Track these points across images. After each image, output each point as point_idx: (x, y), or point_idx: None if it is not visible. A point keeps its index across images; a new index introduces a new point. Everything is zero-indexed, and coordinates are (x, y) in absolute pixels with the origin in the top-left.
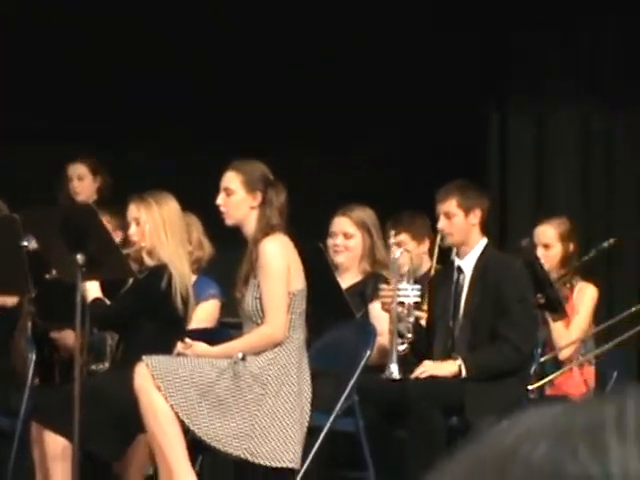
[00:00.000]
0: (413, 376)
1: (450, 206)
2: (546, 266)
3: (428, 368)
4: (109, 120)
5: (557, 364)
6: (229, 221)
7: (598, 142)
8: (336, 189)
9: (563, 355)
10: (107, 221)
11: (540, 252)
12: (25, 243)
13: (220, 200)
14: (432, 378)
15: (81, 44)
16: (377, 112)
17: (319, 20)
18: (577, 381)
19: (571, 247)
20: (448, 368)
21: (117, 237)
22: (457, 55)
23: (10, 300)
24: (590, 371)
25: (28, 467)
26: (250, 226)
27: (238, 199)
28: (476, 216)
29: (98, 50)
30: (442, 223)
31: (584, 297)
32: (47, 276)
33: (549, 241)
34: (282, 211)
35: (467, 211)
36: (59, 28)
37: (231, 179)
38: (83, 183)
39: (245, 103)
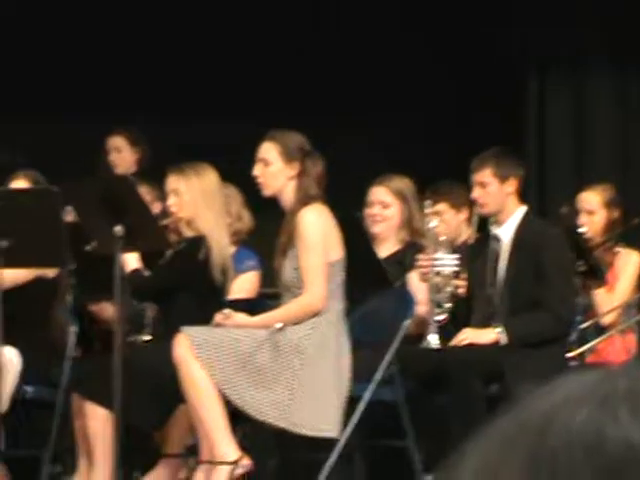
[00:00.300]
0: (453, 343)
1: (485, 175)
2: (589, 233)
3: (468, 335)
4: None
5: (598, 331)
6: (266, 192)
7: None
8: (373, 158)
9: (605, 321)
10: (146, 192)
11: (584, 219)
12: (64, 215)
13: (257, 171)
14: (472, 345)
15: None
16: (413, 80)
17: None
18: (618, 348)
19: (615, 214)
20: (488, 335)
21: (156, 208)
22: (495, 20)
23: (50, 272)
24: (632, 338)
25: (70, 438)
26: (288, 196)
27: (275, 170)
28: (512, 185)
29: (151, 20)
30: (477, 193)
31: (627, 264)
32: (86, 248)
33: (593, 208)
34: (320, 181)
35: (502, 180)
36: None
37: (268, 150)
38: (121, 155)
39: (278, 74)
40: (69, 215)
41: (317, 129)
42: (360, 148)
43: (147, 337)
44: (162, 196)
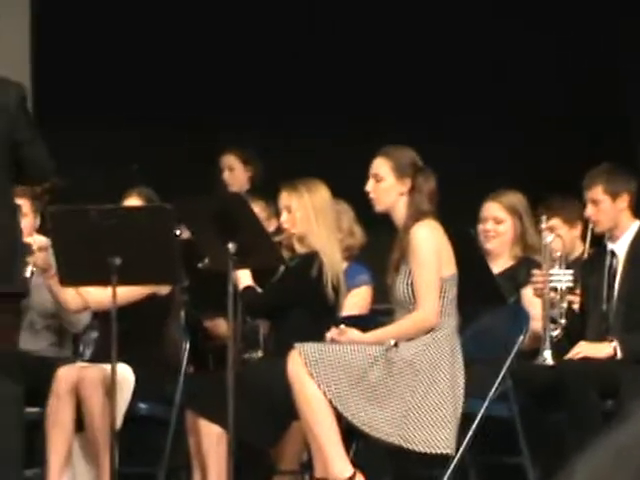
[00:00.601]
0: (568, 357)
1: (596, 193)
2: None
3: (584, 349)
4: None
5: None
6: (378, 207)
7: None
8: (485, 174)
9: None
10: (262, 209)
11: None
12: (178, 232)
13: (369, 186)
14: (587, 360)
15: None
16: (526, 94)
17: None
18: None
19: None
20: (604, 349)
21: (272, 225)
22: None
23: (163, 289)
24: None
25: (184, 455)
26: (400, 212)
27: (387, 185)
28: (624, 200)
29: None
30: (590, 210)
31: None
32: (199, 265)
33: None
34: (432, 197)
35: (614, 196)
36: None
37: (380, 165)
38: (234, 174)
39: (393, 91)
40: (185, 232)
41: (430, 145)
42: (475, 163)
43: (260, 354)
44: (277, 213)
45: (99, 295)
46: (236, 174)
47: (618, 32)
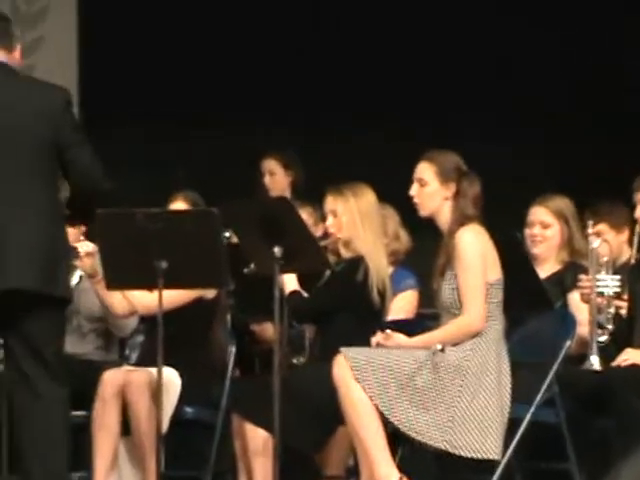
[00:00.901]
0: (615, 364)
1: None
2: None
3: (631, 356)
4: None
5: None
6: (423, 212)
7: None
8: (531, 179)
9: None
10: (309, 214)
11: None
12: (227, 235)
13: (413, 191)
14: (634, 366)
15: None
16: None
17: None
18: None
19: None
20: None
21: (319, 230)
22: None
23: (209, 293)
24: None
25: (230, 459)
26: (444, 217)
27: (432, 190)
28: None
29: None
30: (639, 212)
31: None
32: (245, 271)
33: None
34: (476, 201)
35: None
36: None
37: (424, 170)
38: (275, 178)
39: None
40: (233, 236)
41: (476, 150)
42: (522, 167)
43: (305, 359)
44: (324, 218)
45: (147, 299)
46: (277, 179)
47: (623, 28)
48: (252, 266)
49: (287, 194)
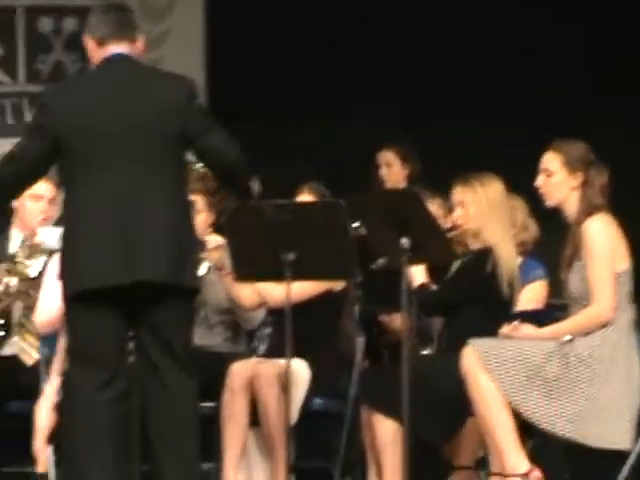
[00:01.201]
0: None
1: None
2: None
3: None
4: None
5: None
6: (549, 202)
7: None
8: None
9: None
10: (439, 206)
11: None
12: (356, 225)
13: (539, 181)
14: None
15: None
16: None
17: None
18: None
19: None
20: None
21: (449, 222)
22: None
23: (337, 285)
24: None
25: (359, 450)
26: (571, 207)
27: (558, 180)
28: None
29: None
30: None
31: None
32: (372, 266)
33: None
34: (604, 191)
35: None
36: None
37: (551, 160)
38: (391, 170)
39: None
40: (361, 227)
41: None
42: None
43: (433, 350)
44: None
45: (277, 293)
46: (394, 170)
47: None
48: (380, 261)
49: (403, 186)
